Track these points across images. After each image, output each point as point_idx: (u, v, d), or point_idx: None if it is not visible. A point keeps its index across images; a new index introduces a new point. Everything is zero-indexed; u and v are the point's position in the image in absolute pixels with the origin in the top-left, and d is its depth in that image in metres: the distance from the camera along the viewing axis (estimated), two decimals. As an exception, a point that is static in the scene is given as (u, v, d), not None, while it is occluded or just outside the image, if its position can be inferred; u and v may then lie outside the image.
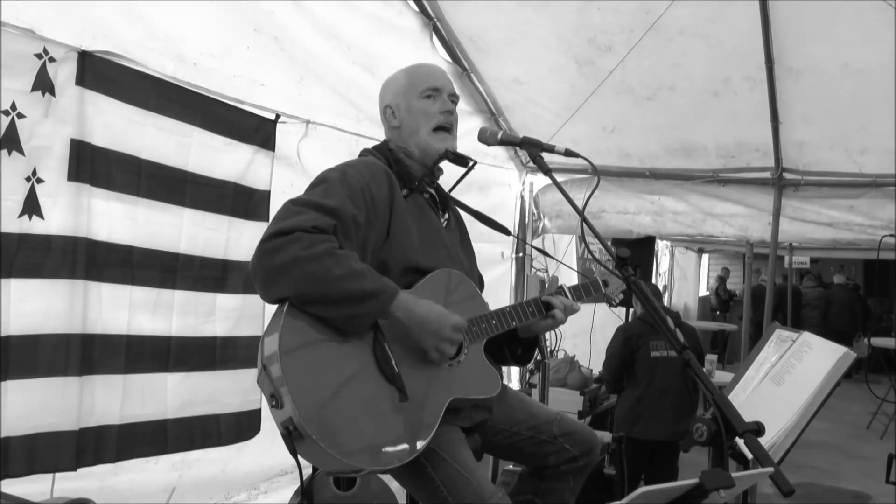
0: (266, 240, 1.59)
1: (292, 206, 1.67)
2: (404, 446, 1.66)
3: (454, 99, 2.03)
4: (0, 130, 2.15)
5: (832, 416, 7.18)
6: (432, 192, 2.04)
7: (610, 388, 4.47)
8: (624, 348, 4.15)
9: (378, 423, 1.64)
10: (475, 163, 2.07)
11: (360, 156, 2.02)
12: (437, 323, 1.71)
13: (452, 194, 2.15)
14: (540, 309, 2.00)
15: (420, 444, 1.68)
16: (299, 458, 1.60)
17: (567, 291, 2.06)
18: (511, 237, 5.13)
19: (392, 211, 1.83)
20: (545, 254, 2.49)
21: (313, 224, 1.61)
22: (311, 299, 1.60)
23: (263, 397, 1.65)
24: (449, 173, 2.11)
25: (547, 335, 4.38)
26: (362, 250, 1.75)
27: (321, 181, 1.77)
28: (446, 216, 2.08)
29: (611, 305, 2.25)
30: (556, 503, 1.99)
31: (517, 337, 2.06)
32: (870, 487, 5.30)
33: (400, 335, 1.71)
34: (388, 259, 1.81)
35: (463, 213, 2.20)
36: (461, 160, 2.03)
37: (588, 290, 2.17)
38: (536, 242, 5.48)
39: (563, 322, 2.02)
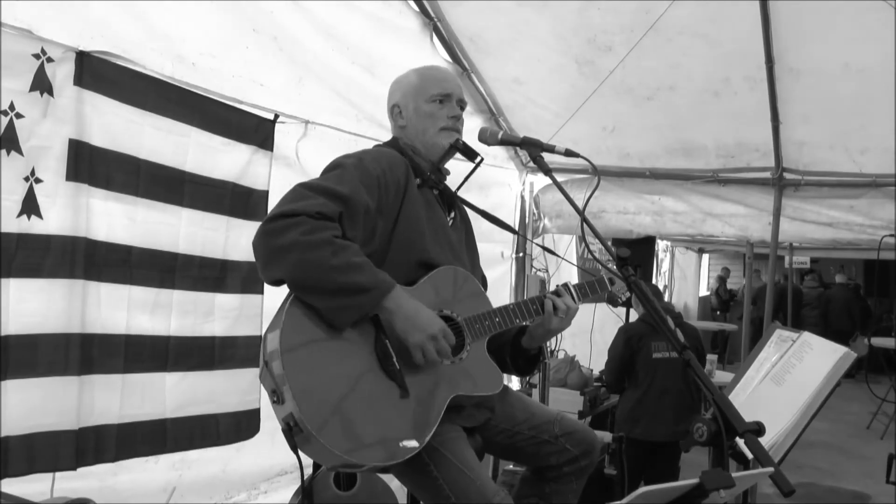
0: (270, 220, 1.61)
1: (302, 189, 1.67)
2: (405, 443, 1.66)
3: (462, 105, 2.05)
4: (-1, 130, 2.15)
5: (832, 416, 7.17)
6: (439, 190, 2.05)
7: (611, 389, 4.46)
8: (625, 349, 4.14)
9: (379, 420, 1.64)
10: (482, 159, 2.08)
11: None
12: (426, 321, 1.70)
13: (458, 193, 2.16)
14: (543, 307, 1.97)
15: (422, 441, 1.69)
16: (300, 454, 1.60)
17: (571, 290, 2.03)
18: (512, 237, 5.18)
19: (404, 197, 1.84)
20: (551, 252, 2.48)
21: (318, 210, 1.61)
22: (305, 285, 1.61)
23: (262, 397, 1.65)
24: (455, 174, 2.11)
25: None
26: (370, 236, 1.75)
27: (336, 166, 1.78)
28: (452, 215, 2.09)
29: (615, 305, 2.22)
30: None
31: (522, 348, 2.05)
32: (870, 487, 5.30)
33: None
34: (393, 244, 1.81)
35: (469, 213, 2.20)
36: (470, 154, 2.03)
37: (594, 288, 2.13)
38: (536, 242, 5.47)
39: (567, 325, 1.99)
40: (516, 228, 5.37)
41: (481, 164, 2.10)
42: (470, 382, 1.83)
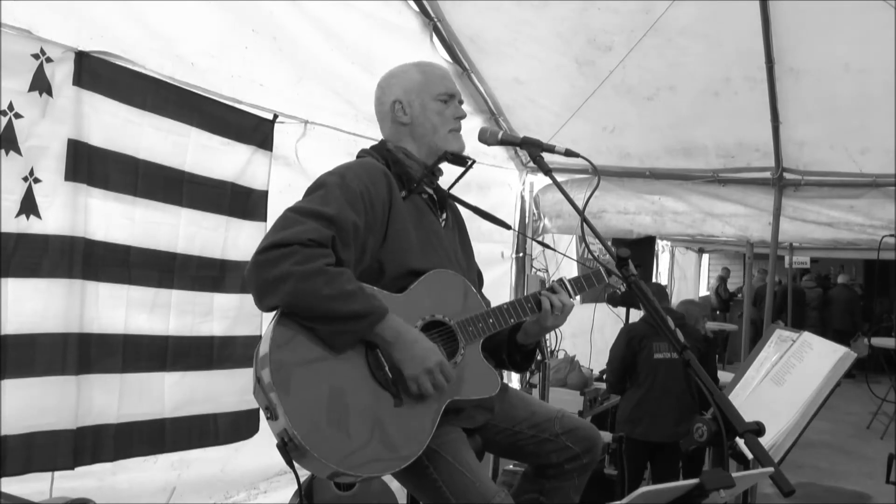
0: (262, 251, 1.60)
1: (291, 214, 1.66)
2: (401, 452, 1.65)
3: (462, 103, 2.04)
4: (-3, 130, 2.15)
5: (832, 416, 7.18)
6: (430, 191, 2.02)
7: (612, 389, 4.46)
8: (627, 350, 4.13)
9: (374, 430, 1.63)
10: (474, 161, 2.05)
11: (357, 157, 2.00)
12: (424, 355, 1.68)
13: (452, 192, 2.13)
14: (538, 305, 1.95)
15: (417, 449, 1.67)
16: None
17: (568, 285, 2.01)
18: (512, 237, 5.18)
19: (390, 213, 1.82)
20: (549, 247, 2.47)
21: (310, 237, 1.60)
22: (301, 314, 1.61)
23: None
24: (448, 172, 2.10)
25: (547, 335, 4.38)
26: (361, 254, 1.74)
27: (319, 186, 1.75)
28: (444, 215, 2.06)
29: (615, 305, 2.23)
30: (560, 502, 1.98)
31: (517, 345, 2.04)
32: (870, 487, 5.30)
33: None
34: (384, 261, 1.80)
35: (463, 211, 2.19)
36: (460, 160, 2.02)
37: (590, 281, 2.09)
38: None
39: (562, 322, 1.97)
40: (516, 229, 5.37)
41: (481, 164, 2.08)
42: (466, 386, 1.81)
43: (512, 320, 1.92)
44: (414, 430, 1.68)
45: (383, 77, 2.05)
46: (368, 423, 1.62)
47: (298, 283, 1.56)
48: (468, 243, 2.16)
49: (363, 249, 1.75)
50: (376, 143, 2.04)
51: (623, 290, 2.11)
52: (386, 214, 1.81)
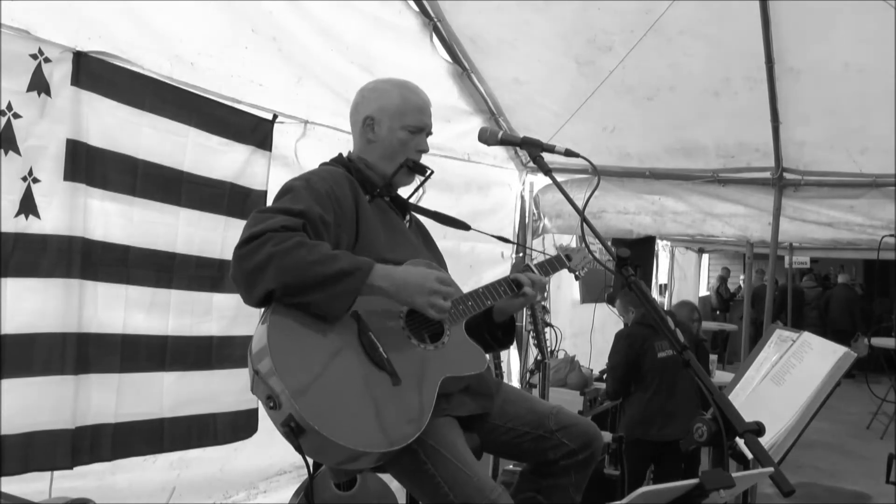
0: (239, 246, 1.65)
1: (259, 213, 1.72)
2: (407, 427, 1.69)
3: (430, 135, 2.09)
4: (-4, 131, 2.15)
5: (832, 416, 7.17)
6: (391, 197, 2.09)
7: (615, 396, 4.42)
8: (630, 353, 4.11)
9: (376, 408, 1.67)
10: (432, 172, 2.12)
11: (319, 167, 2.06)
12: (421, 278, 1.77)
13: (426, 196, 2.24)
14: (511, 287, 2.07)
15: (421, 424, 1.71)
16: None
17: (533, 268, 2.16)
18: (512, 237, 5.18)
19: (358, 213, 1.88)
20: (523, 247, 2.56)
21: (282, 224, 1.66)
22: (292, 290, 1.64)
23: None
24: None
25: (547, 335, 4.38)
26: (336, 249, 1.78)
27: (287, 190, 1.82)
28: (407, 218, 2.14)
29: (577, 279, 2.43)
30: (560, 500, 1.98)
31: (494, 322, 2.13)
32: (870, 487, 5.30)
33: (384, 311, 1.77)
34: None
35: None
36: (420, 169, 2.08)
37: (553, 265, 2.31)
38: (537, 242, 5.47)
39: (534, 298, 2.10)
40: (516, 228, 5.39)
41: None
42: (455, 364, 1.87)
43: (489, 302, 2.02)
44: (414, 406, 1.72)
45: (366, 86, 2.10)
46: (370, 402, 1.67)
47: (282, 259, 1.61)
48: (434, 247, 2.23)
49: (336, 245, 1.79)
50: (335, 157, 2.09)
51: (582, 275, 2.41)
52: (354, 213, 1.87)
